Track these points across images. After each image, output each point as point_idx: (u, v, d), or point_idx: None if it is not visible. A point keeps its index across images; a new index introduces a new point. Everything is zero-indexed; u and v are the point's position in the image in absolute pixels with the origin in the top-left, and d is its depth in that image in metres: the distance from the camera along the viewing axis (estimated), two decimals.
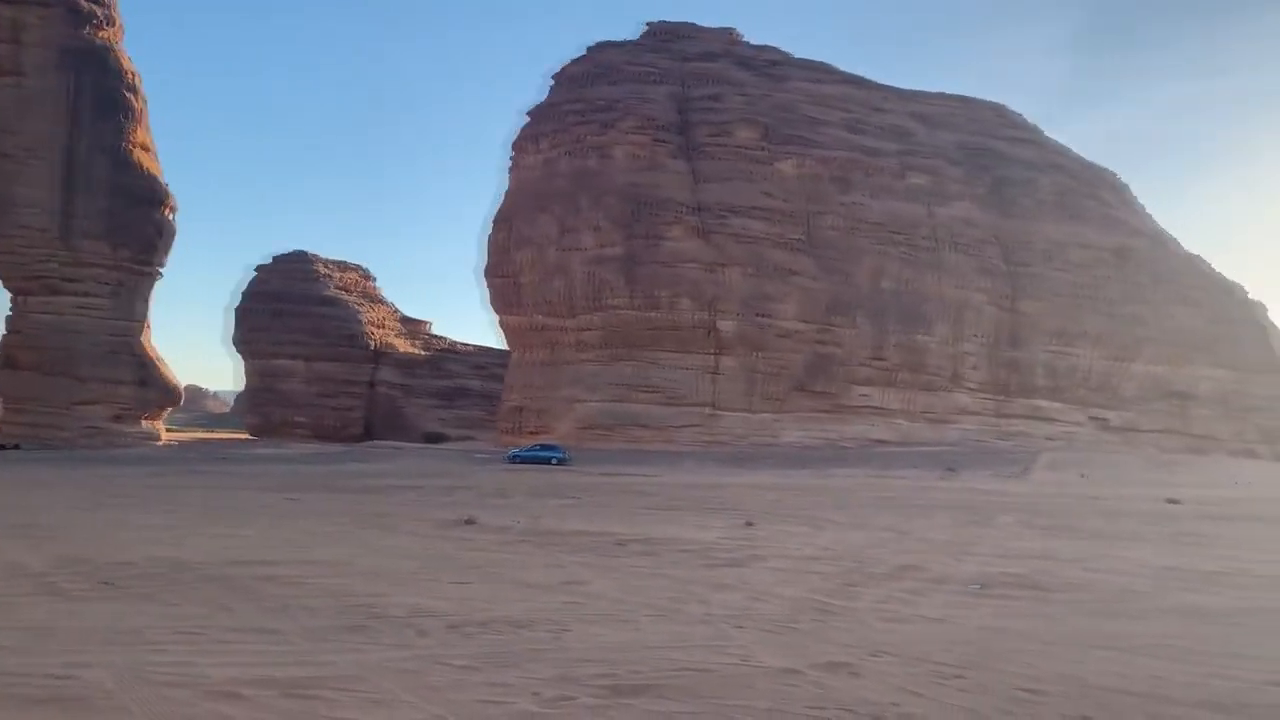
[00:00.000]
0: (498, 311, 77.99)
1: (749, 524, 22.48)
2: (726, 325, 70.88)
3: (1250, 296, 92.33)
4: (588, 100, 77.25)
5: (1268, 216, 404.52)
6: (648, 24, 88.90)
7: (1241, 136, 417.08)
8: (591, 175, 73.84)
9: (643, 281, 70.57)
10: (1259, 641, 10.23)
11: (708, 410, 70.71)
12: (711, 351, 71.27)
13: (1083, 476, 54.23)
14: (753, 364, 71.62)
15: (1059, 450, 68.34)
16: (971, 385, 77.22)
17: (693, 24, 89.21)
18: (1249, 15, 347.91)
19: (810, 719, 6.93)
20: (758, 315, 71.21)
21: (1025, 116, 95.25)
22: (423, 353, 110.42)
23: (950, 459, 60.60)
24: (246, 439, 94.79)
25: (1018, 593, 13.11)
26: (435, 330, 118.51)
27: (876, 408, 73.95)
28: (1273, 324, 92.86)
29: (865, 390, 73.77)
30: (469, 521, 21.85)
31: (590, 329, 72.14)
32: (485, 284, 78.13)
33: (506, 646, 9.06)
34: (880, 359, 73.99)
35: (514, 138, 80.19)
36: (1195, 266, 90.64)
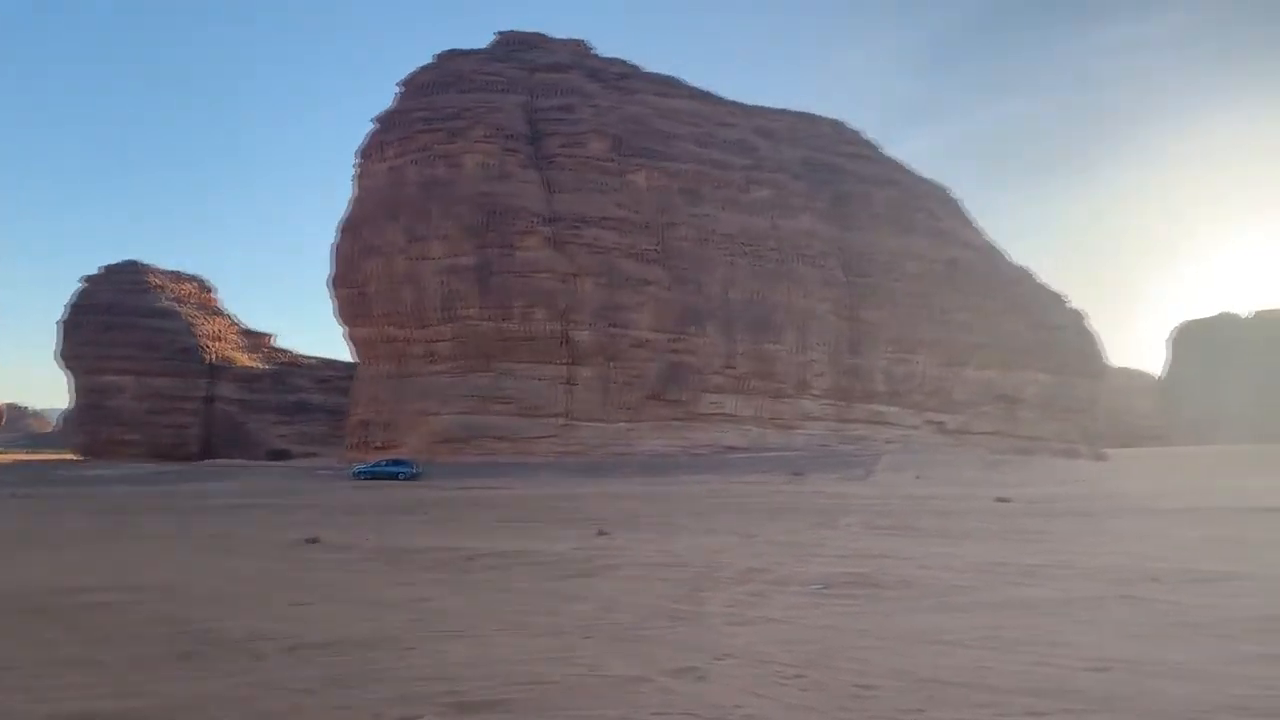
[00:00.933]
0: (345, 323, 75.86)
1: (602, 533, 22.54)
2: (581, 335, 71.02)
3: (1071, 305, 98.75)
4: (436, 108, 76.18)
5: (1092, 228, 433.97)
6: (497, 34, 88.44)
7: (1067, 151, 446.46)
8: (441, 184, 72.79)
9: (496, 291, 69.97)
10: (1077, 630, 10.80)
11: (563, 421, 70.62)
12: (566, 362, 71.26)
13: (919, 478, 56.72)
14: (607, 374, 71.97)
15: (898, 453, 71.33)
16: (817, 392, 79.79)
17: (542, 34, 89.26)
18: (1076, 35, 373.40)
19: None
20: (611, 325, 71.63)
21: (864, 132, 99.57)
22: (264, 366, 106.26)
23: (797, 463, 62.42)
24: (73, 460, 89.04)
25: (857, 591, 13.57)
26: (284, 344, 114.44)
27: (728, 415, 75.50)
28: (1091, 331, 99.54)
29: (717, 398, 75.21)
30: (312, 541, 21.13)
31: (442, 340, 71.01)
32: (333, 295, 75.97)
33: (348, 668, 8.80)
34: (731, 367, 75.60)
35: (362, 145, 78.38)
36: (1022, 276, 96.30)
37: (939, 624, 11.10)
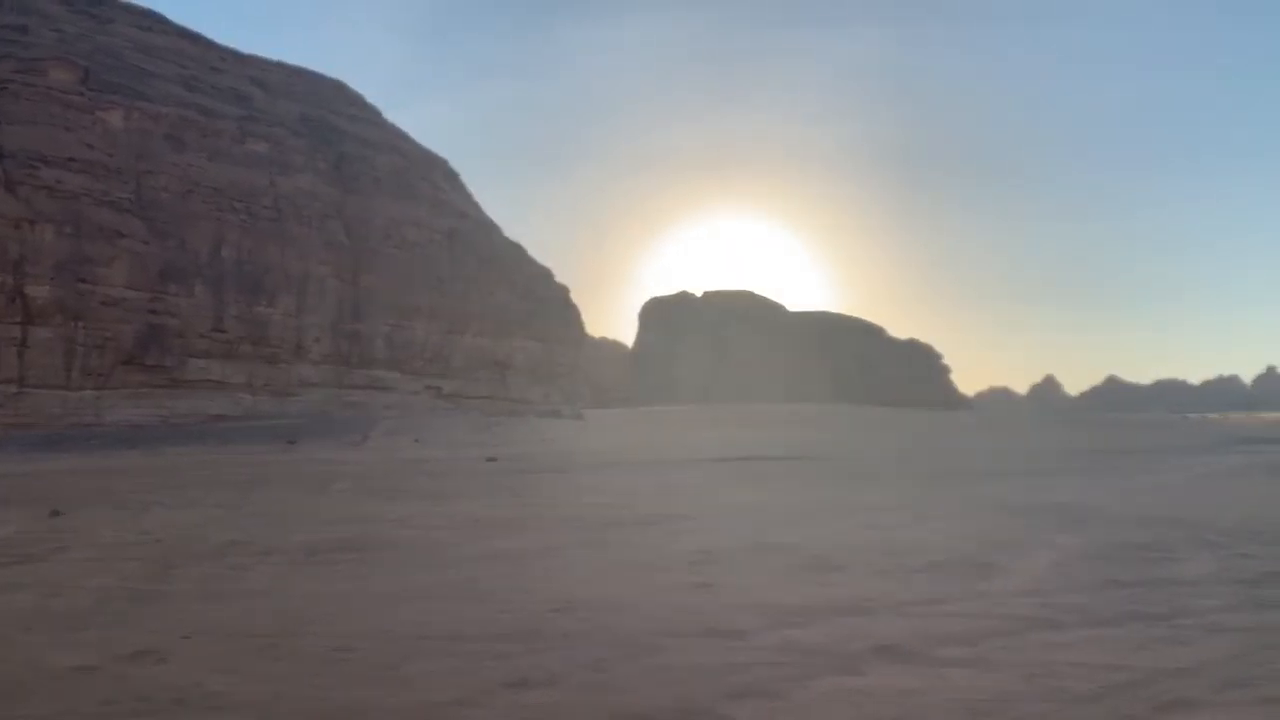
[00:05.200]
0: None
1: (56, 513, 20.05)
2: (38, 291, 61.77)
3: (557, 280, 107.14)
4: None
5: (577, 211, 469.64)
6: None
7: (559, 137, 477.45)
8: None
9: None
10: (544, 576, 11.83)
11: (13, 389, 61.03)
12: (18, 321, 61.54)
13: (417, 441, 57.83)
14: (71, 335, 63.55)
15: (396, 418, 72.00)
16: (315, 358, 77.68)
17: None
18: (567, 27, 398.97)
19: (103, 715, 6.48)
20: (78, 281, 63.28)
21: (365, 96, 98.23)
22: None
23: (292, 431, 60.45)
24: None
25: (341, 556, 13.59)
26: None
27: (216, 381, 70.68)
28: (574, 304, 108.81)
29: (203, 363, 70.02)
30: None
31: None
32: None
33: None
34: (220, 330, 70.73)
35: None
36: (514, 251, 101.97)
37: (421, 581, 11.54)
